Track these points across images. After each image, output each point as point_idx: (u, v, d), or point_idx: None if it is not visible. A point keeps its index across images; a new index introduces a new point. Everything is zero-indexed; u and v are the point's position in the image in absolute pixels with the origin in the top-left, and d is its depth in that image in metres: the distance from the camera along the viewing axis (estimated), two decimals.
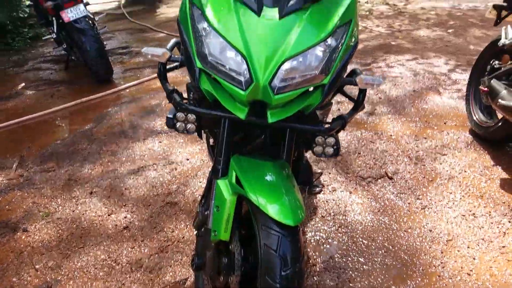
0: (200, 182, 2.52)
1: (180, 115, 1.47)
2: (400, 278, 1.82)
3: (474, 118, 2.89)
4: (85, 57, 4.17)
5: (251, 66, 1.17)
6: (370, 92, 3.66)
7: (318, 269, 1.88)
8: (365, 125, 3.11)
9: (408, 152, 2.74)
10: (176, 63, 1.50)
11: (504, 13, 2.79)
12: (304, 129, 1.36)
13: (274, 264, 1.20)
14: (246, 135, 1.57)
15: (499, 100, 2.32)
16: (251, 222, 1.31)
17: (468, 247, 1.97)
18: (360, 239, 2.05)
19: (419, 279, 1.81)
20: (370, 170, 2.56)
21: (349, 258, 1.94)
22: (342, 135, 2.94)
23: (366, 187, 2.41)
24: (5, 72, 5.08)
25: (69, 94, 4.18)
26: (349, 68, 1.44)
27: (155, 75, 4.40)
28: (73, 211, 2.36)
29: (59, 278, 1.91)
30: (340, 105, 3.40)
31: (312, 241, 2.05)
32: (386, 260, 1.92)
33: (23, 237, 2.19)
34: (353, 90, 1.48)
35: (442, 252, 1.95)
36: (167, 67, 1.51)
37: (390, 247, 1.99)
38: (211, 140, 1.96)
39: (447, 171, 2.53)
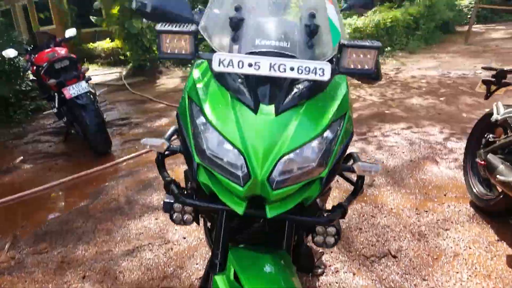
0: (197, 264, 2.43)
1: (177, 205, 1.45)
2: None
3: (474, 190, 2.87)
4: (85, 131, 4.22)
5: (248, 161, 1.17)
6: None
7: None
8: (365, 198, 3.07)
9: (410, 227, 2.68)
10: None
11: (493, 87, 2.88)
12: (304, 221, 1.34)
13: None
14: (244, 223, 1.53)
15: (498, 176, 2.32)
16: None
17: None
18: None
19: None
20: (373, 248, 2.49)
21: None
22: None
23: (370, 267, 2.33)
24: (4, 145, 5.12)
25: (67, 167, 4.18)
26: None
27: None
28: None
29: None
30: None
31: None
32: None
33: None
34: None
35: None
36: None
37: None
38: (209, 224, 1.92)
39: (451, 247, 2.46)
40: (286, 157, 1.18)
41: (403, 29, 10.01)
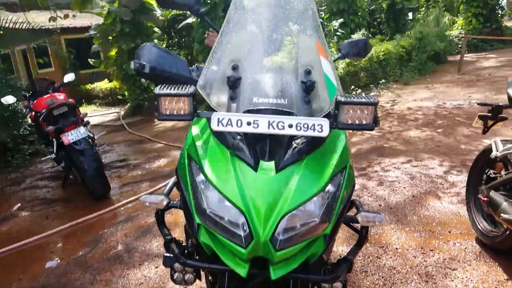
0: None
1: (178, 265, 1.41)
2: None
3: (479, 227, 2.82)
4: (83, 176, 4.19)
5: (250, 222, 1.15)
6: (370, 199, 3.64)
7: None
8: (369, 238, 3.02)
9: (417, 268, 2.62)
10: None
11: (490, 122, 2.89)
12: (309, 279, 1.30)
13: None
14: (248, 280, 1.49)
15: (502, 214, 2.29)
16: None
17: None
18: None
19: None
20: None
21: None
22: (347, 250, 2.84)
23: None
24: (2, 191, 5.08)
25: (65, 214, 4.12)
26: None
27: (152, 189, 4.41)
28: None
29: None
30: None
31: None
32: None
33: None
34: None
35: None
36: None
37: None
38: (210, 277, 1.87)
39: None
40: (288, 216, 1.16)
41: (396, 61, 10.20)
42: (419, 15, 16.24)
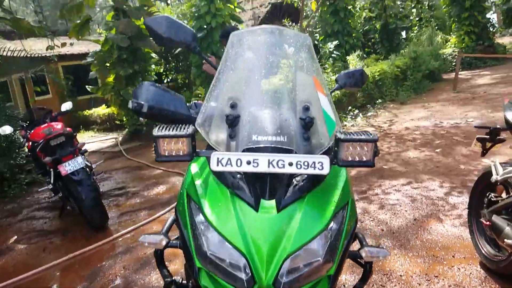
0: None
1: None
2: None
3: (483, 251, 2.78)
4: (80, 206, 4.14)
5: (252, 265, 1.12)
6: (372, 224, 3.60)
7: None
8: (373, 264, 2.96)
9: None
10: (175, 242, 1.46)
11: (488, 144, 2.89)
12: None
13: None
14: None
15: (506, 240, 2.26)
16: None
17: None
18: None
19: None
20: None
21: None
22: (350, 278, 2.79)
23: None
24: None
25: (63, 246, 4.05)
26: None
27: (151, 218, 4.36)
28: None
29: None
30: None
31: None
32: None
33: None
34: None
35: None
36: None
37: None
38: None
39: None
40: (290, 258, 1.14)
41: (392, 81, 10.30)
42: (412, 34, 16.49)
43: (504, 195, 2.62)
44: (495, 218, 2.45)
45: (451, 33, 16.55)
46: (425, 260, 2.97)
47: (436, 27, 16.20)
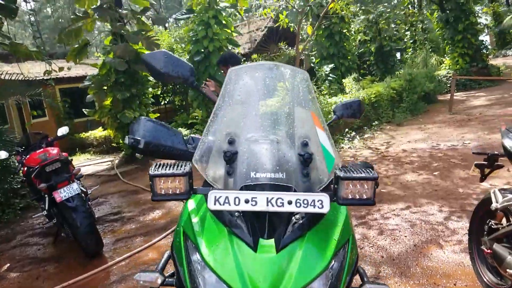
0: None
1: None
2: None
3: (484, 279, 2.74)
4: (75, 233, 4.07)
5: None
6: (371, 251, 3.55)
7: None
8: None
9: None
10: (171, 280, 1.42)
11: (486, 170, 2.88)
12: None
13: None
14: None
15: (508, 270, 2.22)
16: None
17: None
18: None
19: None
20: None
21: None
22: None
23: None
24: None
25: (56, 274, 3.97)
26: None
27: (146, 245, 4.29)
28: None
29: None
30: None
31: None
32: None
33: None
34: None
35: None
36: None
37: None
38: None
39: None
40: None
41: (388, 103, 10.37)
42: (406, 55, 16.73)
43: (504, 221, 2.60)
44: (496, 246, 2.42)
45: (445, 55, 16.79)
46: None
47: (430, 50, 16.45)
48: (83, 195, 4.30)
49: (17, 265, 4.31)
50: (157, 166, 1.19)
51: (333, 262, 1.19)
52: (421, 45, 17.12)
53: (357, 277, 1.40)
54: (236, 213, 1.24)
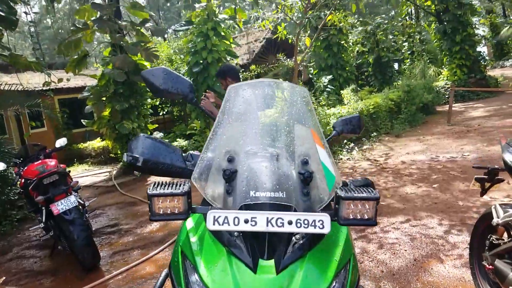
0: None
1: None
2: None
3: None
4: (72, 246, 4.03)
5: None
6: (371, 265, 3.51)
7: None
8: None
9: None
10: None
11: (487, 184, 2.86)
12: None
13: None
14: None
15: (510, 287, 2.19)
16: None
17: None
18: None
19: None
20: None
21: None
22: None
23: None
24: None
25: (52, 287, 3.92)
26: None
27: (143, 258, 4.24)
28: None
29: None
30: None
31: None
32: None
33: None
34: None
35: None
36: None
37: None
38: None
39: None
40: None
41: (386, 114, 10.38)
42: (404, 66, 16.81)
43: (506, 237, 2.57)
44: (498, 262, 2.40)
45: (443, 66, 16.88)
46: None
47: (428, 61, 16.54)
48: (80, 207, 4.27)
49: (13, 278, 4.26)
50: (155, 185, 1.18)
51: (334, 283, 1.17)
52: (419, 56, 17.21)
53: None
54: (235, 233, 1.22)
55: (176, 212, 1.17)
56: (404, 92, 11.22)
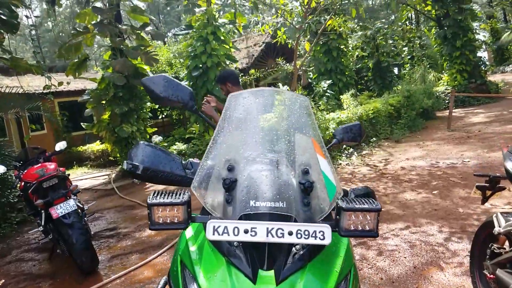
0: None
1: None
2: None
3: None
4: (71, 249, 4.03)
5: None
6: (370, 272, 3.50)
7: None
8: None
9: None
10: None
11: (488, 192, 2.85)
12: None
13: None
14: None
15: None
16: None
17: None
18: None
19: None
20: None
21: None
22: None
23: None
24: None
25: None
26: None
27: (142, 263, 4.23)
28: None
29: None
30: None
31: None
32: None
33: None
34: None
35: None
36: None
37: None
38: None
39: None
40: None
41: (386, 119, 10.38)
42: (404, 71, 16.82)
43: (507, 245, 2.56)
44: (499, 272, 2.38)
45: (443, 71, 16.89)
46: None
47: (428, 66, 16.55)
48: (79, 211, 4.26)
49: (12, 281, 4.24)
50: (155, 194, 1.17)
51: None
52: (419, 61, 17.23)
53: None
54: (235, 243, 1.21)
55: (175, 221, 1.16)
56: (404, 97, 11.22)
